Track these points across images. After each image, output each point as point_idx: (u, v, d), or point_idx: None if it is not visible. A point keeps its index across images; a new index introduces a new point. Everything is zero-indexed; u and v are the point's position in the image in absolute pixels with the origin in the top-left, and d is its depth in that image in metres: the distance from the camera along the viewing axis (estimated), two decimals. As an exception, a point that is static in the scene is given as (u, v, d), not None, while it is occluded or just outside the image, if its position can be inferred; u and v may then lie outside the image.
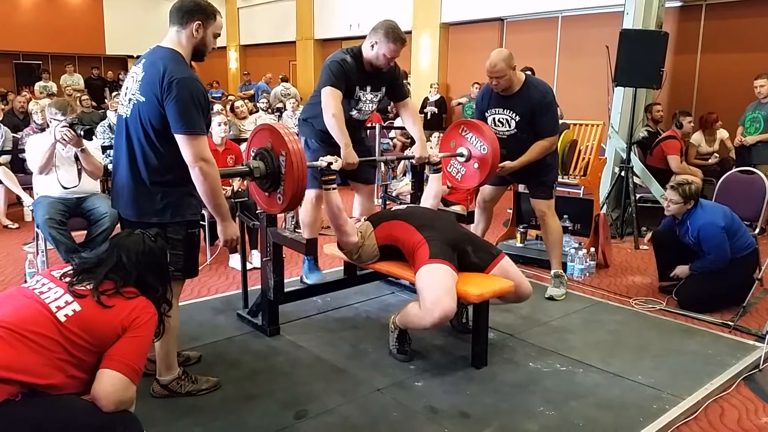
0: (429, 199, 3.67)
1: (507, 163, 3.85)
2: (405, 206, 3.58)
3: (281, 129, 2.75)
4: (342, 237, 3.20)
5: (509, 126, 3.88)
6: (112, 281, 1.91)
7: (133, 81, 2.47)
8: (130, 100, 2.48)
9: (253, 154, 2.89)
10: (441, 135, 8.25)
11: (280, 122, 7.46)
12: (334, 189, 3.11)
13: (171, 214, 2.49)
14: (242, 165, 2.92)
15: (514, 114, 3.84)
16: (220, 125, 4.73)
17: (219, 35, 2.62)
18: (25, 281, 4.32)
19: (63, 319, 1.77)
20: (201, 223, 4.36)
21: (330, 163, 3.08)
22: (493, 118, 3.94)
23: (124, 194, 2.53)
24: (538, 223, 4.33)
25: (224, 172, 2.89)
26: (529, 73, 4.95)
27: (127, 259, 1.97)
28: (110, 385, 1.80)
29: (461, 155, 3.77)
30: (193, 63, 2.58)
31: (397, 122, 10.15)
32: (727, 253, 3.88)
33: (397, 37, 3.28)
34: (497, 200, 4.41)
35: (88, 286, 1.87)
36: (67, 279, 1.90)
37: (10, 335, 1.69)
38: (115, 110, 6.30)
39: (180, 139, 2.37)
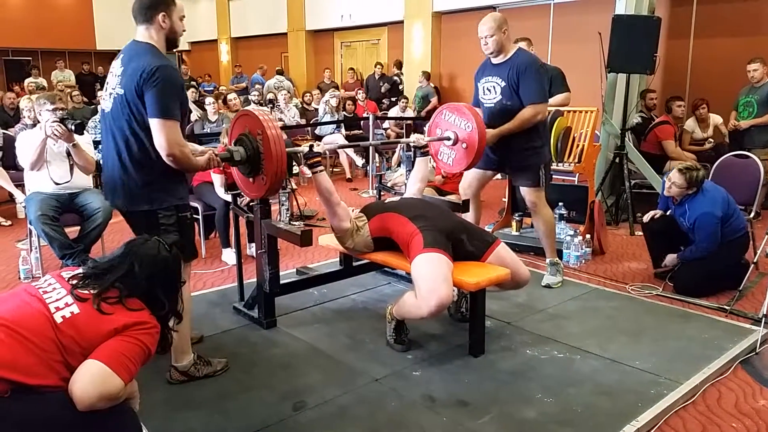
0: (416, 182, 3.69)
1: (488, 131, 3.75)
2: (398, 198, 3.57)
3: (256, 111, 2.83)
4: (333, 220, 3.21)
5: (495, 92, 3.86)
6: (117, 290, 1.85)
7: (113, 76, 2.56)
8: (110, 94, 2.56)
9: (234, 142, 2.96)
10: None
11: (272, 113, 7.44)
12: (321, 171, 3.16)
13: (159, 201, 2.58)
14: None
15: (500, 80, 3.82)
16: None
17: (184, 16, 2.66)
18: (19, 278, 4.30)
19: (59, 320, 1.73)
20: (195, 216, 4.40)
21: (311, 146, 3.13)
22: (483, 87, 3.95)
23: (113, 186, 2.62)
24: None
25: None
26: (523, 44, 4.88)
27: (139, 269, 1.91)
28: (88, 374, 1.68)
29: (448, 138, 3.78)
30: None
31: (391, 113, 10.12)
32: (717, 242, 3.90)
33: None
34: (481, 187, 4.21)
35: (91, 291, 1.82)
36: (74, 281, 1.86)
37: (6, 333, 1.67)
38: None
39: (154, 123, 2.43)
